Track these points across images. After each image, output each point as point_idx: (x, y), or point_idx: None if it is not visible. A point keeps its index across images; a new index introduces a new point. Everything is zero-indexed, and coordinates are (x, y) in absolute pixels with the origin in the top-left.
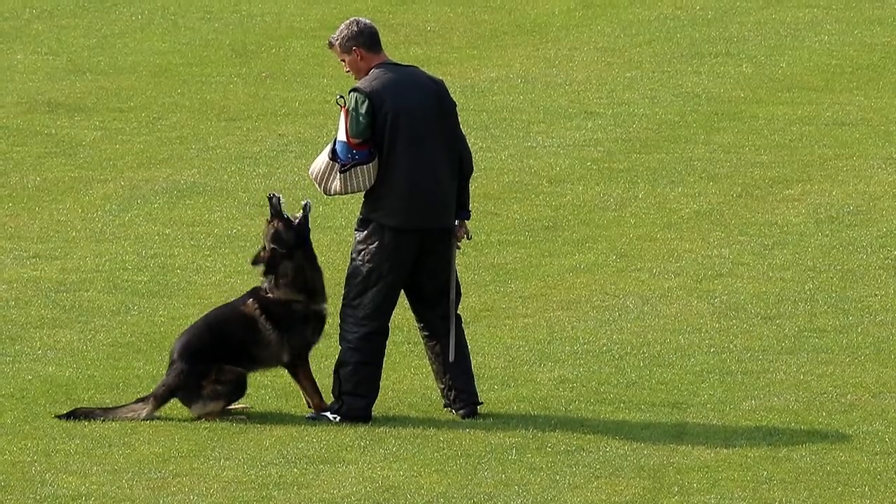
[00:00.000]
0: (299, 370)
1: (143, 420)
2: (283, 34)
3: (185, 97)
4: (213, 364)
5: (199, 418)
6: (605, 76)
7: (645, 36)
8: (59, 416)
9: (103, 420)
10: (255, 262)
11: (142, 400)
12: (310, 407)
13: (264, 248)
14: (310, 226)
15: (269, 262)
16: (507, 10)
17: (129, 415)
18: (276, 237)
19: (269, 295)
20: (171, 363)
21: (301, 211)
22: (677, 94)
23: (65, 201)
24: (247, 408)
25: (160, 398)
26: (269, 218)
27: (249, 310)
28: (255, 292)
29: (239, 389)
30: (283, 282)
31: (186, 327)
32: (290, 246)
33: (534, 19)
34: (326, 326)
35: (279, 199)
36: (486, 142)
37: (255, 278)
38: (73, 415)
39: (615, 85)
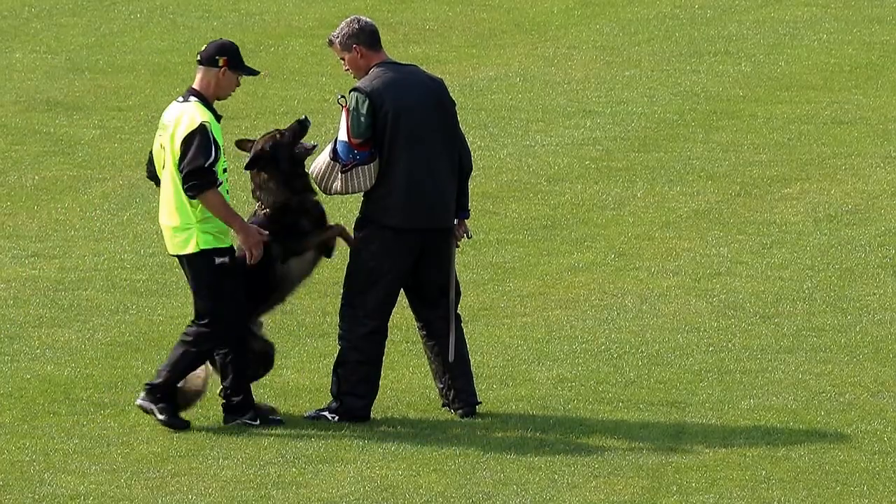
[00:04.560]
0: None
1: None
2: (281, 33)
3: None
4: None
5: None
6: (604, 75)
7: (644, 35)
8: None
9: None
10: (238, 145)
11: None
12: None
13: (259, 145)
14: (306, 158)
15: (251, 161)
16: (505, 9)
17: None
18: (274, 146)
19: (266, 210)
20: None
21: (311, 142)
22: (676, 93)
23: (63, 200)
24: None
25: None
26: (282, 129)
27: None
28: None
29: (266, 363)
30: (267, 190)
31: None
32: (273, 160)
33: (532, 18)
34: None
35: (305, 126)
36: (485, 140)
37: None
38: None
39: (614, 84)
